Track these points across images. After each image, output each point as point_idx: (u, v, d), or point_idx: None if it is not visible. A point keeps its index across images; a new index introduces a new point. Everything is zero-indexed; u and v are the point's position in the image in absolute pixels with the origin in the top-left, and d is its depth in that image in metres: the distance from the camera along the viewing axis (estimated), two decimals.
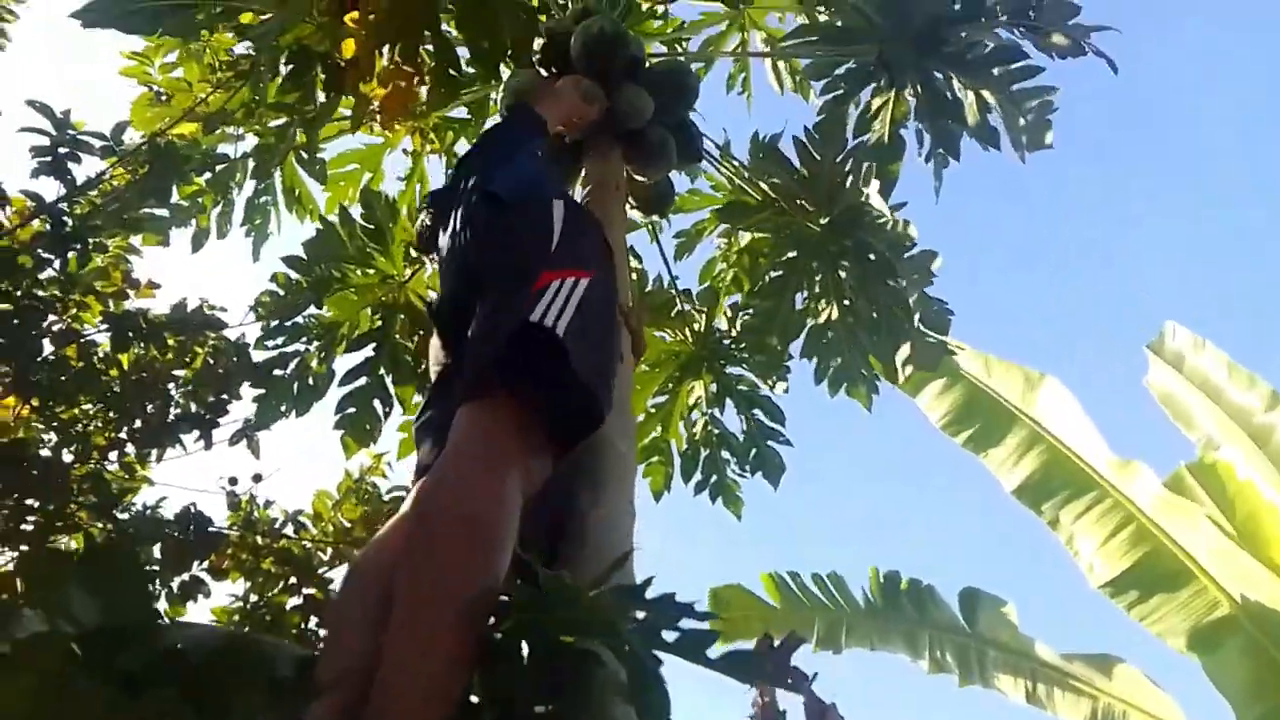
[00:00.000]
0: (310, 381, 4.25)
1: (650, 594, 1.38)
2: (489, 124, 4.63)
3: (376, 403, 4.22)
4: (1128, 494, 6.24)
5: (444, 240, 2.25)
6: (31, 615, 1.14)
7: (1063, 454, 6.54)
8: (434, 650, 1.27)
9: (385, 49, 3.15)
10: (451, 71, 3.22)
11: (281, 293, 4.06)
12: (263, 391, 4.19)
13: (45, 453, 4.17)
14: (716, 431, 4.88)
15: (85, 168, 3.81)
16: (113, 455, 4.28)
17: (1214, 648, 5.89)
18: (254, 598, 4.70)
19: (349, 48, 3.13)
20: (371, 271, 4.14)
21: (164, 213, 4.15)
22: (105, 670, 1.09)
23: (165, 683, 1.08)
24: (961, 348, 4.69)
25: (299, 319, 4.16)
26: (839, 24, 4.03)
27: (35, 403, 3.99)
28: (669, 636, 1.33)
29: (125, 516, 4.27)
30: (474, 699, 1.33)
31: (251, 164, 4.00)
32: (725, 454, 4.89)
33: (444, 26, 3.28)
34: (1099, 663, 6.63)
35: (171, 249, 4.29)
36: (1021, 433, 6.76)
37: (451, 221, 2.19)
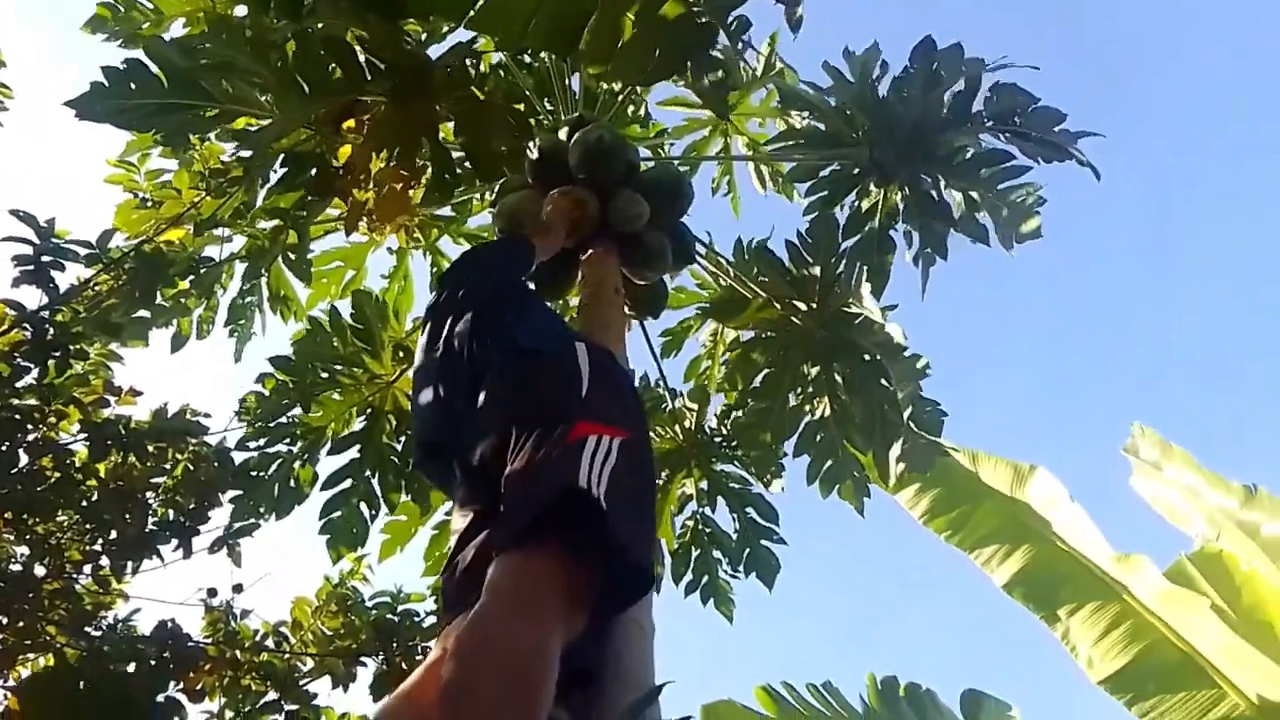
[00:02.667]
0: (292, 484, 4.15)
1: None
2: (472, 221, 4.66)
3: (362, 505, 4.13)
4: (1127, 586, 6.16)
5: (422, 358, 2.30)
6: None
7: (1055, 547, 6.48)
8: None
9: (380, 153, 3.15)
10: (446, 176, 3.22)
11: (267, 393, 3.99)
12: (240, 494, 4.09)
13: (16, 567, 4.01)
14: (708, 531, 4.80)
15: (68, 274, 3.75)
16: (87, 569, 4.12)
17: None
18: (230, 715, 4.50)
19: (344, 153, 3.12)
20: (359, 371, 4.09)
21: (145, 314, 4.09)
22: None
23: None
24: (956, 449, 4.66)
25: (283, 419, 4.09)
26: (823, 128, 4.11)
27: (8, 515, 3.84)
28: None
29: (98, 634, 4.10)
30: None
31: (240, 265, 3.97)
32: (717, 554, 4.80)
33: (440, 133, 3.29)
34: None
35: (152, 354, 4.22)
36: (1010, 526, 6.70)
37: (438, 338, 2.25)
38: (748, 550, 4.68)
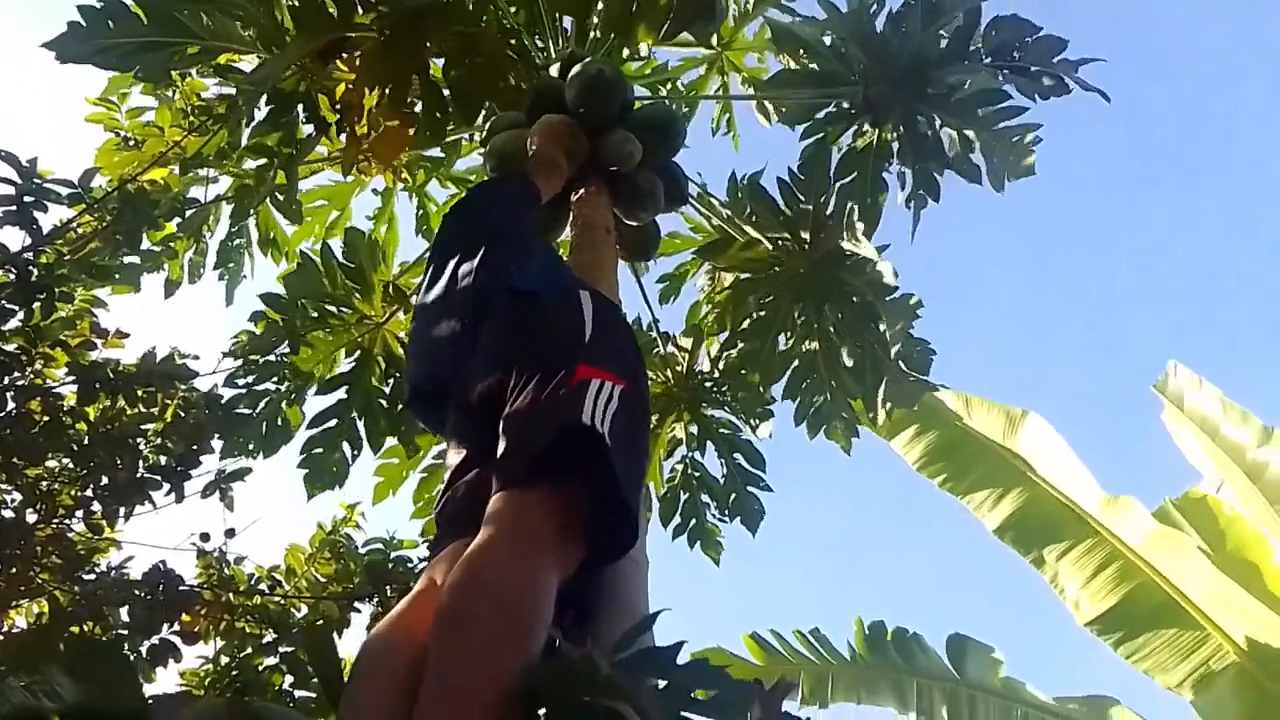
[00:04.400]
0: (280, 422, 4.14)
1: (679, 659, 1.37)
2: (460, 163, 4.59)
3: (345, 445, 4.12)
4: (1115, 530, 6.22)
5: (423, 297, 2.28)
6: (17, 687, 1.12)
7: (1046, 491, 6.53)
8: None
9: (371, 90, 3.08)
10: (438, 114, 3.16)
11: (257, 331, 3.96)
12: (227, 430, 4.07)
13: (8, 513, 3.99)
14: (696, 475, 4.82)
15: (51, 216, 3.68)
16: (79, 515, 4.10)
17: (1205, 684, 5.86)
18: (224, 659, 4.52)
19: (340, 91, 3.06)
20: (349, 312, 4.06)
21: (135, 259, 4.04)
22: None
23: None
24: (950, 394, 4.67)
25: (271, 357, 4.06)
26: (816, 69, 4.05)
27: None
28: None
29: (91, 578, 4.09)
30: None
31: (228, 207, 3.91)
32: (705, 498, 4.82)
33: (430, 70, 3.23)
34: (1093, 704, 6.58)
35: (137, 297, 4.17)
36: (1002, 471, 6.74)
37: (439, 278, 2.21)
38: (734, 496, 4.71)
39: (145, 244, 3.94)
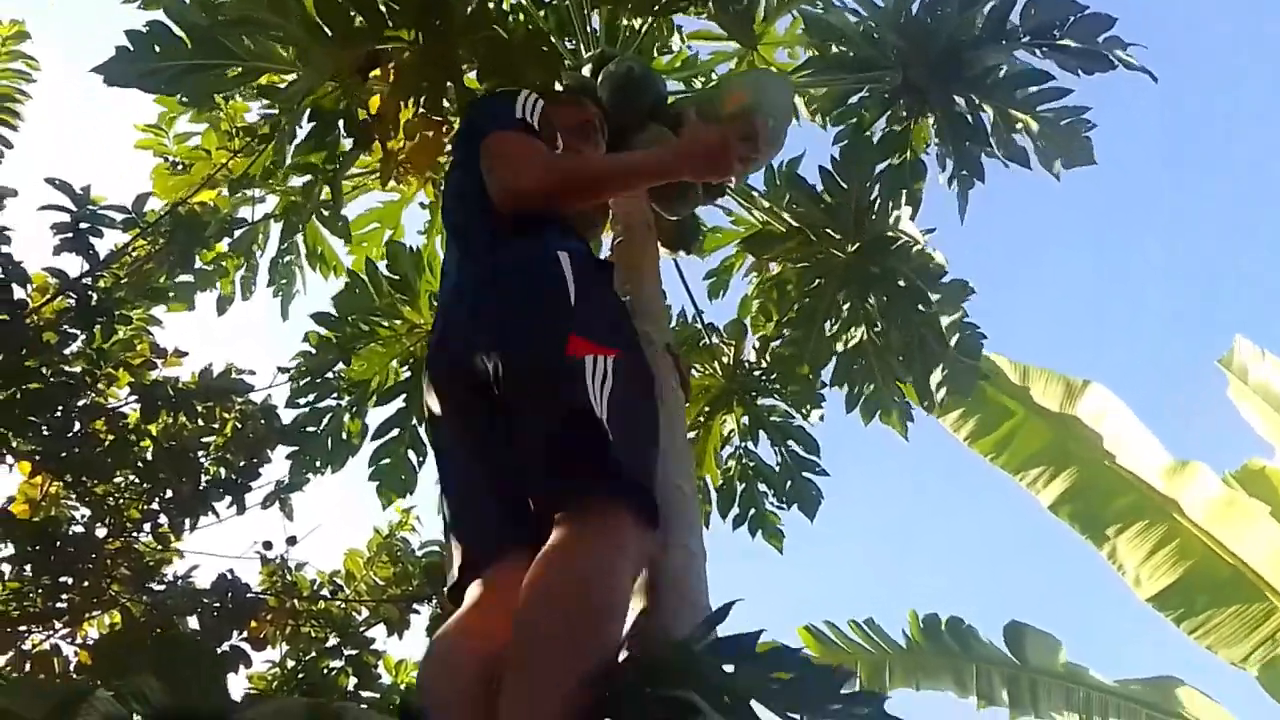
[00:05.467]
0: (344, 436, 4.21)
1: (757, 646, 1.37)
2: None
3: (410, 453, 4.18)
4: (1178, 500, 6.09)
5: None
6: (104, 697, 1.14)
7: (1105, 464, 6.40)
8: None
9: (408, 101, 3.12)
10: None
11: (313, 350, 4.03)
12: (296, 449, 4.15)
13: (79, 529, 4.12)
14: (752, 465, 4.81)
15: (107, 240, 3.79)
16: (146, 528, 4.23)
17: (1272, 658, 5.74)
18: (290, 663, 4.63)
19: (374, 103, 3.10)
20: (399, 323, 4.12)
21: (188, 278, 4.13)
22: None
23: None
24: (997, 367, 4.61)
25: (329, 375, 4.14)
26: (851, 55, 4.03)
27: (68, 478, 3.94)
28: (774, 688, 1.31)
29: (160, 589, 4.22)
30: None
31: (276, 225, 3.99)
32: (762, 487, 4.82)
33: (465, 77, 3.26)
34: (1157, 685, 6.46)
35: (195, 315, 4.28)
36: (1059, 444, 6.61)
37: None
38: (790, 483, 4.69)
39: (198, 264, 4.03)
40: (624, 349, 1.70)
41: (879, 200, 4.02)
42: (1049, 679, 6.52)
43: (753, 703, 1.29)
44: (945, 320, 4.06)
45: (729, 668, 1.34)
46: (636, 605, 2.12)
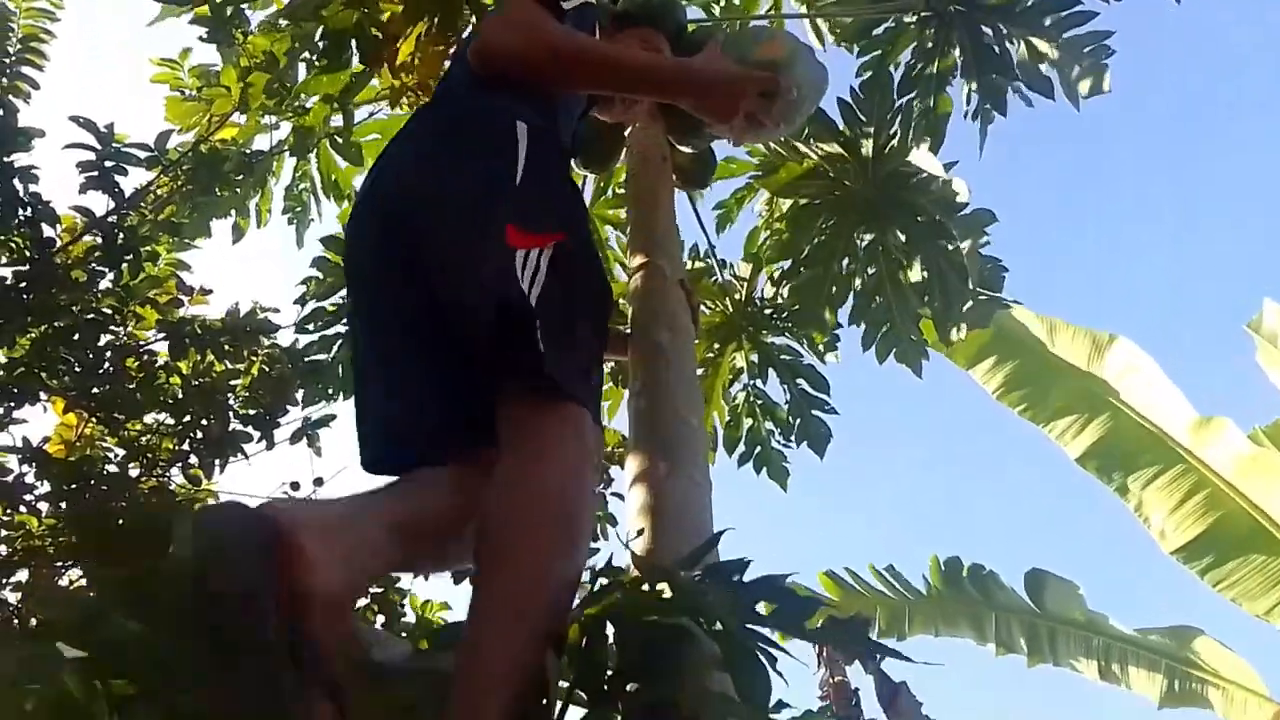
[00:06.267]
0: None
1: (747, 576, 1.37)
2: None
3: None
4: (1204, 455, 6.03)
5: None
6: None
7: (1131, 417, 6.34)
8: (524, 636, 1.25)
9: (421, 21, 3.11)
10: None
11: (322, 276, 4.06)
12: (307, 377, 4.17)
13: (112, 468, 4.22)
14: (760, 402, 4.80)
15: (131, 179, 3.83)
16: (177, 467, 4.32)
17: None
18: None
19: (388, 24, 3.09)
20: None
21: (206, 204, 4.16)
22: None
23: None
24: (1018, 302, 4.57)
25: (339, 299, 4.16)
26: None
27: (100, 415, 4.03)
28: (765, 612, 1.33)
29: None
30: (563, 683, 1.33)
31: (288, 151, 4.00)
32: (769, 425, 4.82)
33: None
34: (1175, 635, 6.44)
35: (222, 254, 4.32)
36: (1087, 397, 6.55)
37: None
38: (798, 420, 4.70)
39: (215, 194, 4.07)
40: (567, 234, 1.53)
41: (899, 134, 3.97)
42: (1068, 627, 6.53)
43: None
44: (966, 252, 4.02)
45: (724, 596, 1.33)
46: (635, 526, 2.17)
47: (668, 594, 1.35)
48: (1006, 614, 6.72)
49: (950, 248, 4.03)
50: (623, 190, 4.47)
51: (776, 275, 4.58)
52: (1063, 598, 6.71)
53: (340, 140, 3.76)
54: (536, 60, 1.69)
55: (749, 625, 1.31)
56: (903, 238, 4.15)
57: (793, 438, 4.66)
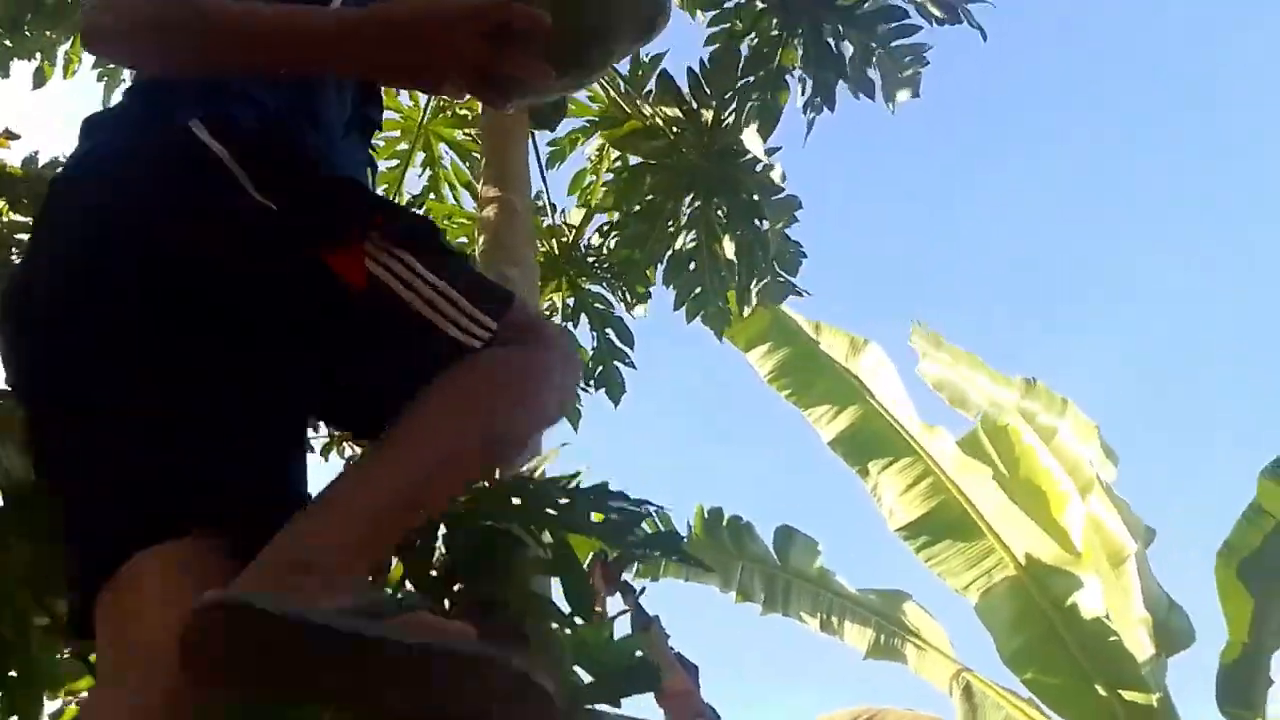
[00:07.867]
0: None
1: (584, 485, 1.48)
2: None
3: None
4: (929, 451, 6.84)
5: None
6: None
7: (876, 411, 7.08)
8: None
9: None
10: None
11: None
12: None
13: None
14: None
15: None
16: None
17: (987, 589, 6.63)
18: None
19: None
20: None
21: (7, 43, 3.84)
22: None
23: None
24: (809, 293, 4.99)
25: None
26: None
27: None
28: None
29: None
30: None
31: None
32: None
33: None
34: (889, 597, 7.27)
35: (23, 103, 3.99)
36: (842, 390, 7.24)
37: None
38: (600, 369, 4.88)
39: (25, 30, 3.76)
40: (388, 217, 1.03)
41: (735, 113, 4.21)
42: (802, 581, 7.22)
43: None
44: (773, 232, 4.34)
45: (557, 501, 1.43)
46: None
47: (498, 500, 1.44)
48: (753, 564, 7.30)
49: (764, 227, 4.34)
50: (464, 112, 4.50)
51: (604, 227, 4.75)
52: (804, 554, 7.37)
53: None
54: (132, 32, 1.03)
55: (581, 533, 1.43)
56: (724, 210, 4.41)
57: (591, 383, 4.85)
